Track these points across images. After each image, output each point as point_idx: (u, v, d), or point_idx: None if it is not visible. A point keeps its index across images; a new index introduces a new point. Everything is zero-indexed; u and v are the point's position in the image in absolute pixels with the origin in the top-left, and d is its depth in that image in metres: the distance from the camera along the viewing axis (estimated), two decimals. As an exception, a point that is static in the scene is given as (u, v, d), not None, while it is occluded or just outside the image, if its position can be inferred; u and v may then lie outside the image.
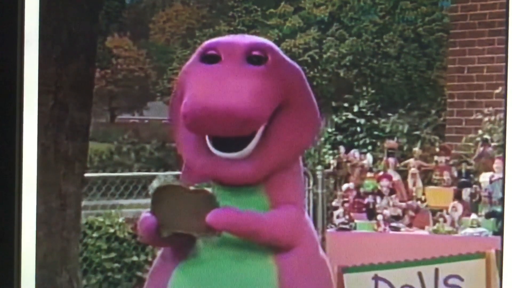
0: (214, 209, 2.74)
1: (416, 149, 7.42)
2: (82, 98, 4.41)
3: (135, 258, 7.14)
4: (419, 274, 5.31)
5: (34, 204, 2.32)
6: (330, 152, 9.94)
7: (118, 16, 17.18)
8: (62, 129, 4.27)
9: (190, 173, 2.94)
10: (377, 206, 6.32)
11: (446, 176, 6.52)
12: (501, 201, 6.16)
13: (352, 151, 7.45)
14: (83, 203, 5.16)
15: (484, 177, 6.31)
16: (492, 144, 7.01)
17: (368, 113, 11.09)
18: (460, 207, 6.10)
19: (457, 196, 6.29)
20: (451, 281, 5.31)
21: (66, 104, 4.28)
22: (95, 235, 7.06)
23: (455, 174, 6.57)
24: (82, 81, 4.39)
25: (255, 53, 2.86)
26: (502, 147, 6.98)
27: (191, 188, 2.79)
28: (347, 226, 6.22)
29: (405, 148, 9.19)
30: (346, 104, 11.46)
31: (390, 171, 6.70)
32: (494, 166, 6.27)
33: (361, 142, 10.49)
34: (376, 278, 5.27)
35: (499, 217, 5.90)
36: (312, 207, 7.65)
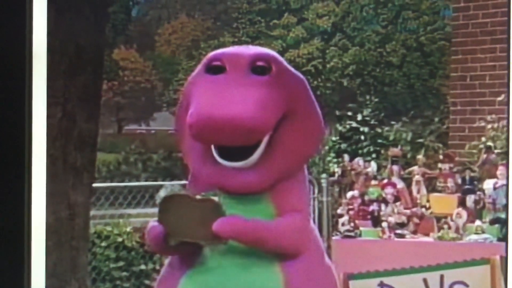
0: (221, 217, 2.74)
1: (420, 156, 7.43)
2: (90, 109, 4.43)
3: (143, 267, 7.16)
4: (425, 280, 5.31)
5: (43, 214, 2.32)
6: (335, 160, 9.93)
7: (124, 29, 17.21)
8: (70, 140, 4.29)
9: (197, 182, 2.93)
10: (382, 213, 6.33)
11: (450, 183, 6.53)
12: (505, 207, 6.20)
13: (357, 159, 7.46)
14: (92, 212, 5.17)
15: (488, 184, 6.32)
16: (496, 151, 7.02)
17: (372, 122, 11.07)
18: (464, 214, 6.12)
19: (461, 203, 6.30)
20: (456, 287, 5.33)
21: (74, 116, 4.29)
22: (103, 244, 7.08)
23: (459, 181, 6.57)
24: (89, 93, 4.40)
25: (260, 63, 2.86)
26: (505, 154, 7.01)
27: (198, 197, 2.79)
28: (352, 234, 6.23)
29: (409, 155, 9.18)
30: (350, 113, 11.43)
31: (395, 179, 6.71)
32: (498, 172, 6.28)
33: (365, 150, 10.46)
34: (381, 285, 5.28)
35: (504, 223, 5.92)
36: (317, 215, 7.65)
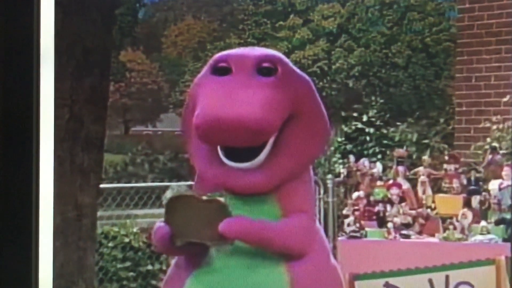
0: (227, 218, 2.75)
1: (425, 157, 7.43)
2: (97, 111, 4.43)
3: (149, 267, 7.18)
4: (430, 281, 5.31)
5: (51, 214, 2.33)
6: (340, 161, 9.95)
7: (131, 31, 17.26)
8: (77, 142, 4.29)
9: (203, 183, 2.94)
10: (387, 214, 6.34)
11: (455, 184, 6.54)
12: (510, 208, 6.20)
13: (362, 160, 7.46)
14: (99, 213, 5.18)
15: (493, 185, 6.33)
16: (501, 151, 7.03)
17: (377, 123, 11.08)
18: (469, 215, 6.13)
19: (467, 204, 6.30)
20: (461, 288, 5.33)
21: (81, 117, 4.30)
22: (110, 244, 7.11)
23: (464, 181, 6.58)
24: (96, 94, 4.40)
25: (265, 64, 2.86)
26: (510, 155, 7.02)
27: (204, 197, 2.79)
28: (358, 234, 6.24)
29: (414, 156, 9.21)
30: (355, 114, 11.45)
31: (400, 180, 6.72)
32: (503, 173, 6.29)
33: (370, 151, 10.48)
34: (387, 286, 5.28)
35: (509, 223, 5.94)
36: (323, 216, 7.66)
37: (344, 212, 6.76)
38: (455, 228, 6.07)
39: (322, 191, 7.85)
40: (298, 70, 2.99)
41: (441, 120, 11.61)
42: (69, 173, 4.26)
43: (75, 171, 4.30)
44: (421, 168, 6.94)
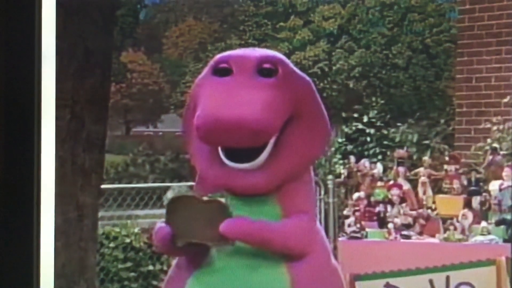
0: (228, 219, 2.76)
1: (426, 158, 7.44)
2: (98, 111, 4.44)
3: (150, 268, 7.19)
4: (431, 281, 5.33)
5: (52, 215, 2.34)
6: (341, 162, 9.93)
7: (132, 32, 17.25)
8: (79, 142, 4.30)
9: (204, 183, 2.95)
10: (388, 214, 6.35)
11: (456, 184, 6.54)
12: (511, 208, 6.21)
13: (363, 161, 7.45)
14: (100, 214, 5.18)
15: (494, 185, 6.32)
16: (501, 152, 7.03)
17: (378, 123, 11.08)
18: (470, 215, 6.13)
19: (467, 204, 6.30)
20: (462, 288, 5.35)
21: (82, 118, 4.30)
22: (111, 245, 7.11)
23: (465, 182, 6.58)
24: (98, 95, 4.41)
25: (266, 65, 2.87)
26: (511, 156, 7.02)
27: (205, 198, 2.81)
28: (358, 235, 6.25)
29: (415, 157, 9.19)
30: (356, 115, 11.44)
31: (400, 180, 6.72)
32: (503, 174, 6.29)
33: (371, 151, 10.47)
34: (387, 286, 5.29)
35: (509, 224, 5.94)
36: (324, 216, 7.66)
37: (345, 212, 6.76)
38: (455, 229, 6.07)
39: (322, 192, 7.85)
40: (298, 71, 3.00)
41: (442, 121, 11.59)
42: (70, 173, 4.26)
43: (76, 171, 4.31)
44: (421, 169, 6.94)
